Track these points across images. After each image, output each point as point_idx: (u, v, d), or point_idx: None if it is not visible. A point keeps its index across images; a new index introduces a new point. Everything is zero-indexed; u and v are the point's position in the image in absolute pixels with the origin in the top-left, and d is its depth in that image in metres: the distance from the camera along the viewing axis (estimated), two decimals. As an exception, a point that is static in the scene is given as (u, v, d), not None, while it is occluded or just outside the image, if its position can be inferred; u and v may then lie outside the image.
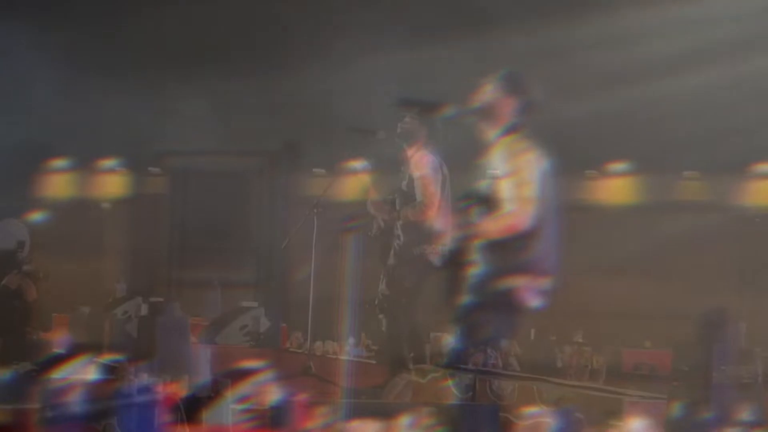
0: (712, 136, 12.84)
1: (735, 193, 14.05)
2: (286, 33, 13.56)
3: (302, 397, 6.36)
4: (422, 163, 8.86)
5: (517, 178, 6.13)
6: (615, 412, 6.42)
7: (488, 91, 6.36)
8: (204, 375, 5.51)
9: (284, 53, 13.61)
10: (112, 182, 16.13)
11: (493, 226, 6.15)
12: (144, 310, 12.76)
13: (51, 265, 10.49)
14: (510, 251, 6.12)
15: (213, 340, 12.70)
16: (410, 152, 9.00)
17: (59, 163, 15.88)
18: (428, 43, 12.46)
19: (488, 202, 6.19)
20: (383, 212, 8.99)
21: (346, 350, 12.42)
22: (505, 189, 6.14)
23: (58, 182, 15.82)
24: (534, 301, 6.22)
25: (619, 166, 14.56)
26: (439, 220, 8.75)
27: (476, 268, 6.18)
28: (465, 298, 6.22)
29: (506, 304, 6.14)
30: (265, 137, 14.10)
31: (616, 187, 14.49)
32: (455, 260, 6.26)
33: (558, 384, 7.13)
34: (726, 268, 13.28)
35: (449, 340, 6.39)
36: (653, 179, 14.47)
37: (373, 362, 11.73)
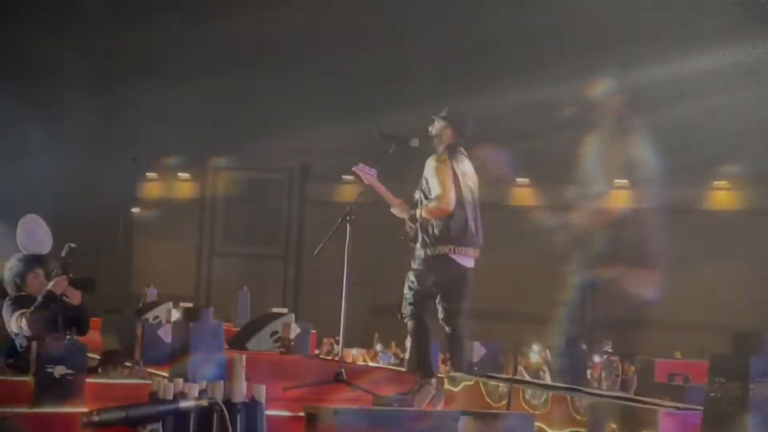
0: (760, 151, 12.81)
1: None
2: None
3: (369, 408, 6.42)
4: (434, 163, 8.90)
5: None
6: (649, 423, 6.39)
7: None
8: (237, 382, 5.51)
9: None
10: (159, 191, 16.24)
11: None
12: (175, 315, 12.81)
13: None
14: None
15: (243, 347, 12.73)
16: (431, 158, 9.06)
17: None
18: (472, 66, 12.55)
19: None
20: (405, 215, 9.04)
21: (377, 357, 12.47)
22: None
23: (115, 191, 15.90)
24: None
25: (673, 180, 14.50)
26: (462, 224, 8.77)
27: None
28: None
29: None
30: (300, 149, 14.21)
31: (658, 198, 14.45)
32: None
33: (592, 394, 7.10)
34: (759, 279, 13.23)
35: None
36: (687, 190, 14.46)
37: (403, 369, 11.73)
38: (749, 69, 12.52)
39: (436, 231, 8.79)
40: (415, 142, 9.17)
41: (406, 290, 8.89)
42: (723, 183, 17.67)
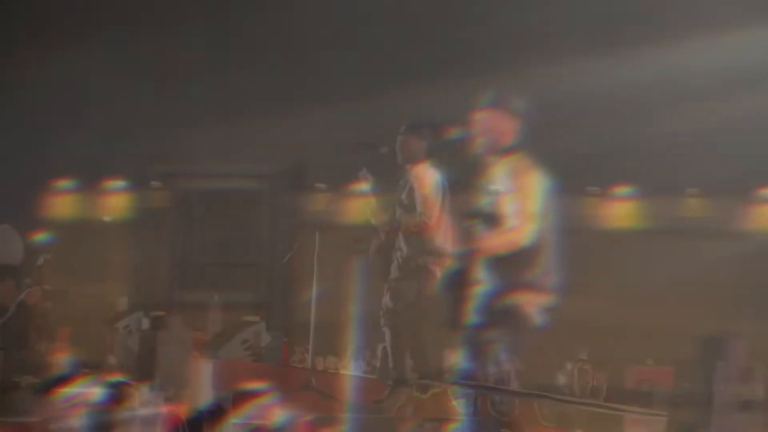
0: (715, 160, 12.89)
1: (736, 215, 14.09)
2: (295, 55, 13.65)
3: (306, 417, 6.39)
4: (423, 176, 8.91)
5: (521, 195, 6.27)
6: (615, 429, 6.42)
7: (488, 114, 6.52)
8: (206, 390, 5.51)
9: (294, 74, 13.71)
10: (116, 201, 16.19)
11: (497, 242, 6.27)
12: (145, 324, 12.79)
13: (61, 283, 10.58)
14: (516, 267, 6.22)
15: (215, 355, 12.70)
16: (410, 166, 9.07)
17: (65, 183, 15.93)
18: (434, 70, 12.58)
19: (492, 219, 6.35)
20: (384, 224, 9.02)
21: (348, 365, 12.44)
22: (509, 205, 6.28)
23: (64, 202, 15.87)
24: (538, 318, 6.33)
25: (622, 188, 14.59)
26: (441, 235, 8.81)
27: (483, 285, 6.29)
28: (472, 317, 6.33)
29: (513, 321, 6.25)
30: (272, 156, 14.19)
31: (618, 208, 14.53)
32: (461, 279, 6.34)
33: (559, 401, 7.13)
34: (727, 287, 13.31)
35: (457, 358, 6.52)
36: (654, 201, 14.52)
37: (374, 377, 11.74)
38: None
39: (421, 242, 8.82)
40: (384, 150, 9.19)
41: (387, 299, 8.91)
42: (694, 190, 17.74)
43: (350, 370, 12.43)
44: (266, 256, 15.38)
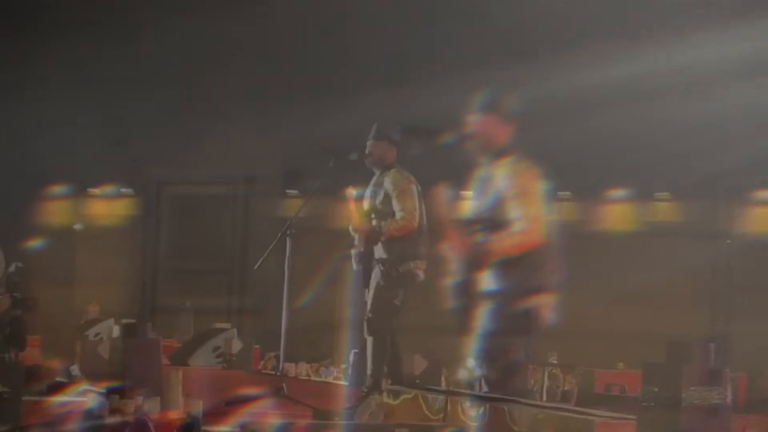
0: (687, 162, 12.96)
1: (707, 219, 14.17)
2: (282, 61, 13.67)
3: (303, 423, 6.43)
4: (397, 179, 8.94)
5: (524, 198, 6.22)
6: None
7: (481, 116, 6.44)
8: (177, 398, 5.50)
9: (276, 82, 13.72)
10: (92, 209, 16.19)
11: (507, 244, 6.20)
12: (116, 331, 12.74)
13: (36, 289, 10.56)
14: (527, 270, 6.19)
15: (185, 362, 12.68)
16: (381, 171, 9.10)
17: (54, 190, 15.94)
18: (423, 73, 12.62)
19: (495, 224, 6.28)
20: (364, 232, 9.04)
21: (320, 371, 12.44)
22: (513, 208, 6.23)
23: (50, 209, 15.87)
24: (550, 319, 6.34)
25: (593, 191, 14.65)
26: (422, 239, 8.85)
27: (496, 291, 6.23)
28: (487, 323, 6.27)
29: (529, 325, 6.23)
30: (245, 162, 14.19)
31: (588, 211, 14.58)
32: (470, 286, 6.27)
33: (530, 405, 7.15)
34: (698, 290, 13.39)
35: (471, 366, 6.45)
36: (625, 203, 14.58)
37: (345, 383, 11.75)
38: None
39: (402, 248, 8.85)
40: (353, 156, 9.21)
41: (371, 306, 8.94)
42: (665, 194, 17.86)
43: (322, 376, 12.44)
44: (238, 263, 15.35)
